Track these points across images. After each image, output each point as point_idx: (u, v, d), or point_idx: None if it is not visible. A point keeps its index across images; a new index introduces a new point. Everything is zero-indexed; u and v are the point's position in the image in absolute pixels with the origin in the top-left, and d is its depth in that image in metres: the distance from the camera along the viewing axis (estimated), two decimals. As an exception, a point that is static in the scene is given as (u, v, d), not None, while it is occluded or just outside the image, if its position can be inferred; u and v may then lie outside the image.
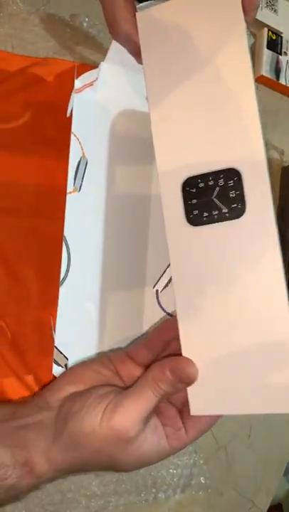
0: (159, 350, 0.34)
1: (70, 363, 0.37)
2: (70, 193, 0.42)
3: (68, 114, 0.40)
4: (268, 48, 0.58)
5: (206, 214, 0.29)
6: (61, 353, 0.37)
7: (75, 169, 0.43)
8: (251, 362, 0.28)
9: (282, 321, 0.28)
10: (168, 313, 0.42)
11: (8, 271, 0.38)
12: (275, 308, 0.28)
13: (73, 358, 0.37)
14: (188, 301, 0.30)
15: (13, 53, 0.44)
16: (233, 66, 0.29)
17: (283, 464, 0.48)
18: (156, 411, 0.31)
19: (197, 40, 0.30)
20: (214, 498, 0.43)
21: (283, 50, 0.60)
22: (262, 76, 0.57)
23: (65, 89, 0.42)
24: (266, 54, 0.57)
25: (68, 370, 0.35)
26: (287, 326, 0.27)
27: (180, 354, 0.30)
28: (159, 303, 0.43)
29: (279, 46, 0.59)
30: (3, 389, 0.36)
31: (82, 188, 0.42)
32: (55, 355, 0.36)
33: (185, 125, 0.30)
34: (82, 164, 0.43)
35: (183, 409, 0.32)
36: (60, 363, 0.37)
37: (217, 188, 0.29)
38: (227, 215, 0.29)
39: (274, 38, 0.59)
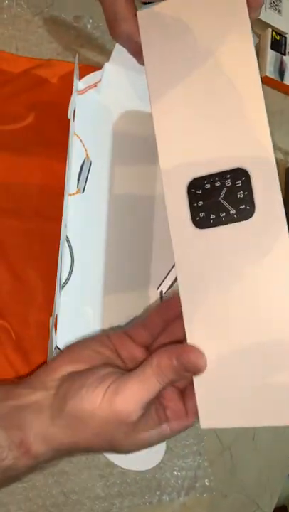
0: (159, 330, 0.33)
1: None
2: (74, 194, 0.42)
3: (69, 116, 0.40)
4: (272, 48, 0.58)
5: (213, 216, 0.28)
6: None
7: (78, 170, 0.43)
8: (262, 373, 0.27)
9: None
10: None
11: (11, 272, 0.38)
12: (287, 310, 0.27)
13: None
14: (195, 306, 0.29)
15: (17, 55, 0.44)
16: (239, 63, 0.29)
17: (288, 466, 0.48)
18: (157, 394, 0.30)
19: (200, 36, 0.30)
20: (219, 501, 0.43)
21: (287, 50, 0.60)
22: (266, 77, 0.57)
23: (68, 90, 0.42)
24: (270, 54, 0.57)
25: (65, 349, 0.33)
26: None
27: (181, 338, 0.29)
28: (163, 304, 0.42)
29: (283, 47, 0.59)
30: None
31: (85, 189, 0.42)
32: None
33: (189, 124, 0.29)
34: (86, 165, 0.43)
35: (184, 390, 0.31)
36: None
37: (224, 189, 0.28)
38: (235, 216, 0.28)
39: (278, 38, 0.59)
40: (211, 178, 0.29)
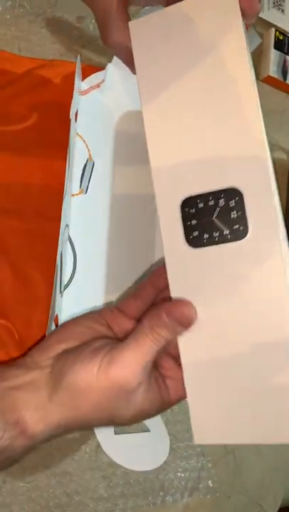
0: (151, 299, 0.33)
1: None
2: (76, 194, 0.42)
3: (71, 116, 0.40)
4: (275, 48, 0.58)
5: (206, 235, 0.28)
6: None
7: (81, 171, 0.43)
8: (257, 390, 0.27)
9: None
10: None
11: (15, 273, 0.38)
12: (281, 332, 0.27)
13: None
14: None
15: (20, 55, 0.44)
16: (233, 76, 0.28)
17: (292, 468, 0.48)
18: (155, 364, 0.30)
19: (192, 48, 0.29)
20: (222, 502, 0.42)
21: (291, 50, 0.59)
22: (269, 76, 0.57)
23: (71, 91, 0.42)
24: (273, 54, 0.57)
25: (58, 328, 0.33)
26: None
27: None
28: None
29: (286, 46, 0.59)
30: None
31: (88, 189, 0.42)
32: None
33: (182, 141, 0.29)
34: (89, 166, 0.43)
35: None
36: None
37: (218, 209, 0.28)
38: (229, 236, 0.28)
39: (281, 38, 0.59)
40: (204, 197, 0.28)
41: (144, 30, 0.30)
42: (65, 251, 0.39)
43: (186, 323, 0.28)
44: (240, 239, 0.27)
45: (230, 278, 0.28)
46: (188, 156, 0.29)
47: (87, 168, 0.43)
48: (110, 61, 0.43)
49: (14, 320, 0.37)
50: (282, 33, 0.59)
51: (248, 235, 0.27)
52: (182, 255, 0.29)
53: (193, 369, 0.29)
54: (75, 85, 0.40)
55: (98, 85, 0.45)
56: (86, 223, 0.42)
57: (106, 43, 0.32)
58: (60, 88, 0.44)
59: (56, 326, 0.36)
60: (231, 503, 0.43)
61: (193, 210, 0.28)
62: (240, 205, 0.27)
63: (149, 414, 0.29)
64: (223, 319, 0.28)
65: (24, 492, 0.36)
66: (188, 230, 0.28)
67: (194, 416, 0.28)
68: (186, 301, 0.28)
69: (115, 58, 0.43)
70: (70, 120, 0.41)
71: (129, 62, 0.31)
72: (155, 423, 0.40)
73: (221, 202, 0.28)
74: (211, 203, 0.28)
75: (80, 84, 0.45)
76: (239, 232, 0.27)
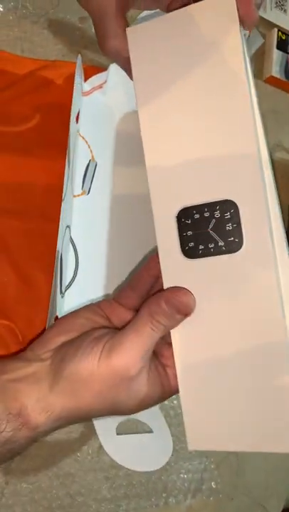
0: (147, 289, 0.33)
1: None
2: (78, 195, 0.42)
3: (71, 117, 0.40)
4: (278, 48, 0.58)
5: (201, 247, 0.28)
6: None
7: (83, 172, 0.43)
8: (252, 396, 0.27)
9: (283, 354, 0.27)
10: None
11: (18, 274, 0.38)
12: (274, 343, 0.27)
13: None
14: (183, 332, 0.29)
15: (22, 56, 0.44)
16: (230, 83, 0.28)
17: (295, 469, 0.47)
18: (154, 352, 0.30)
19: (189, 56, 0.29)
20: (225, 503, 0.42)
21: (293, 50, 0.59)
22: (271, 76, 0.57)
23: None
24: (276, 54, 0.57)
25: (57, 321, 0.33)
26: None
27: None
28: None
29: (289, 46, 0.59)
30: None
31: (90, 190, 0.42)
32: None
33: (179, 151, 0.29)
34: (92, 167, 0.43)
35: None
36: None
37: (213, 220, 0.28)
38: (223, 248, 0.28)
39: (284, 38, 0.59)
40: (200, 208, 0.28)
41: (141, 37, 0.30)
42: (66, 252, 0.39)
43: (184, 311, 0.28)
44: (235, 251, 0.28)
45: (225, 289, 0.28)
46: (184, 167, 0.29)
47: (90, 169, 0.43)
48: (112, 62, 0.43)
49: (17, 320, 0.37)
50: (284, 33, 0.59)
51: (243, 247, 0.27)
52: (178, 265, 0.29)
53: (187, 375, 0.29)
54: (74, 86, 0.40)
55: (100, 86, 0.45)
56: (88, 224, 0.41)
57: (103, 50, 0.32)
58: (62, 89, 0.44)
59: None
60: (234, 504, 0.43)
61: (189, 221, 0.29)
62: (236, 218, 0.28)
63: (151, 403, 0.29)
64: (217, 329, 0.28)
65: (27, 493, 0.36)
66: (184, 241, 0.29)
67: (188, 421, 0.28)
68: (185, 289, 0.28)
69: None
70: (70, 121, 0.41)
71: (127, 68, 0.31)
72: (158, 424, 0.40)
73: (217, 214, 0.28)
74: (207, 214, 0.28)
75: (83, 85, 0.45)
76: (234, 244, 0.28)
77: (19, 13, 0.45)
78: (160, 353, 0.31)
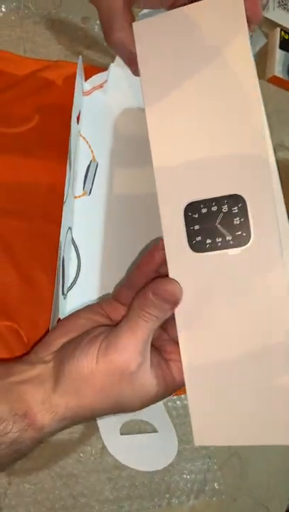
0: (142, 285, 0.33)
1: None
2: (80, 196, 0.42)
3: (72, 118, 0.40)
4: (281, 47, 0.57)
5: (209, 241, 0.28)
6: None
7: (84, 172, 0.43)
8: (258, 391, 0.27)
9: None
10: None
11: (21, 275, 0.38)
12: (282, 335, 0.27)
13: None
14: (189, 326, 0.29)
15: (24, 56, 0.44)
16: (238, 78, 0.28)
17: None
18: (157, 348, 0.30)
19: (196, 51, 0.29)
20: (228, 504, 0.42)
21: (296, 49, 0.59)
22: (274, 76, 0.57)
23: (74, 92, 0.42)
24: (279, 54, 0.57)
25: (59, 323, 0.34)
26: None
27: None
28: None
29: (291, 46, 0.59)
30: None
31: (92, 191, 0.42)
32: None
33: (187, 145, 0.29)
34: (93, 167, 0.43)
35: None
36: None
37: (221, 214, 0.28)
38: (231, 242, 0.28)
39: (287, 37, 0.58)
40: (207, 202, 0.28)
41: (147, 31, 0.30)
42: (68, 253, 0.39)
43: (171, 300, 0.28)
44: (242, 245, 0.28)
45: (232, 283, 0.28)
46: (192, 161, 0.29)
47: (91, 169, 0.43)
48: (113, 61, 0.43)
49: (20, 321, 0.37)
50: (287, 32, 0.59)
51: (251, 241, 0.27)
52: (184, 260, 0.29)
53: (194, 370, 0.29)
54: (76, 87, 0.39)
55: (101, 86, 0.45)
56: (90, 225, 0.41)
57: (108, 42, 0.32)
58: (63, 90, 0.44)
59: None
60: (237, 505, 0.43)
61: (197, 215, 0.29)
62: (244, 212, 0.28)
63: (154, 399, 0.30)
64: (224, 322, 0.28)
65: (30, 494, 0.36)
66: (191, 235, 0.29)
67: (195, 417, 0.28)
68: (170, 278, 0.29)
69: (118, 58, 0.43)
70: (72, 121, 0.41)
71: (131, 62, 0.31)
72: (163, 423, 0.40)
73: (225, 208, 0.28)
74: (214, 208, 0.28)
75: (83, 85, 0.45)
76: (242, 238, 0.28)
77: (21, 14, 0.45)
78: (163, 349, 0.31)
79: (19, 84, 0.43)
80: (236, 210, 0.28)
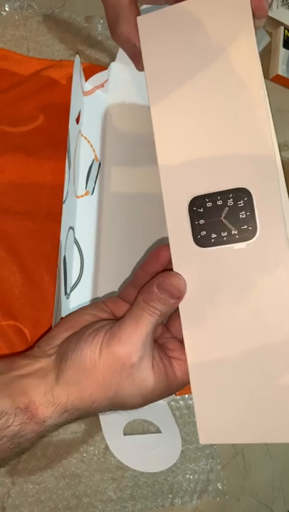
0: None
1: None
2: (82, 196, 0.42)
3: (71, 118, 0.40)
4: (284, 46, 0.57)
5: (214, 235, 0.28)
6: None
7: (86, 172, 0.42)
8: (263, 388, 0.27)
9: None
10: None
11: (25, 274, 0.38)
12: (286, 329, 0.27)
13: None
14: (194, 322, 0.29)
15: (28, 56, 0.44)
16: (243, 73, 0.28)
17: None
18: (160, 345, 0.30)
19: (201, 46, 0.29)
20: (231, 505, 0.42)
21: (300, 48, 0.59)
22: (278, 75, 0.56)
23: (79, 91, 0.42)
24: (282, 53, 0.57)
25: (64, 318, 0.34)
26: None
27: None
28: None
29: (295, 45, 0.58)
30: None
31: (94, 190, 0.42)
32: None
33: (191, 139, 0.29)
34: (95, 167, 0.43)
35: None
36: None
37: (226, 208, 0.28)
38: (237, 236, 0.27)
39: (290, 36, 0.58)
40: (212, 196, 0.28)
41: (152, 25, 0.30)
42: (70, 254, 0.39)
43: (176, 294, 0.28)
44: (248, 239, 0.27)
45: (238, 278, 0.28)
46: (196, 156, 0.29)
47: (93, 169, 0.43)
48: (113, 61, 0.43)
49: (24, 320, 0.37)
50: (291, 31, 0.58)
51: (257, 235, 0.27)
52: (189, 254, 0.29)
53: (198, 368, 0.29)
54: (73, 87, 0.39)
55: (102, 85, 0.45)
56: (93, 225, 0.41)
57: (113, 35, 0.32)
58: (67, 89, 0.44)
59: None
60: (241, 505, 0.43)
61: (202, 210, 0.28)
62: (249, 206, 0.27)
63: (156, 396, 0.30)
64: (229, 318, 0.28)
65: (33, 494, 0.36)
66: (195, 230, 0.28)
67: (200, 415, 0.28)
68: (175, 272, 0.29)
69: (118, 57, 0.43)
70: (77, 121, 0.41)
71: (134, 56, 0.31)
72: (167, 423, 0.40)
73: (230, 202, 0.28)
74: (220, 202, 0.28)
75: (84, 85, 0.44)
76: (248, 232, 0.27)
77: (25, 13, 0.45)
78: (166, 346, 0.31)
79: (23, 83, 0.43)
80: (242, 204, 0.27)
